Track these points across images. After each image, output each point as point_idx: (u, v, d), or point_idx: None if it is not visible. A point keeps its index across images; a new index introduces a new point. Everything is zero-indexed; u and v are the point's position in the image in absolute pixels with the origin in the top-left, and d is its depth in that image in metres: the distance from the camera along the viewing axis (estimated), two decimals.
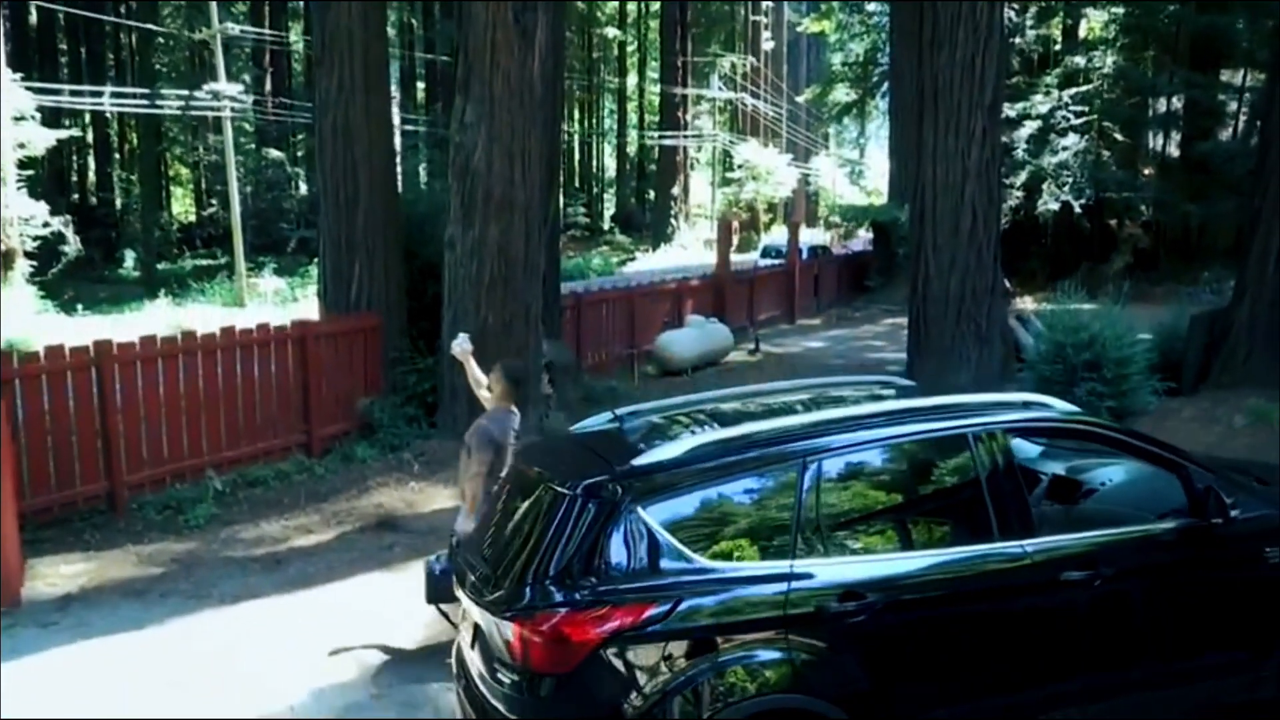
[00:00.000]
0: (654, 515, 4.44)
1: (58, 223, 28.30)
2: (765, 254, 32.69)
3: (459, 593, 5.18)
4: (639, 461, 4.56)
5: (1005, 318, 16.20)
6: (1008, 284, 27.12)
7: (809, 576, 4.51)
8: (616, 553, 4.38)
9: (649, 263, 49.14)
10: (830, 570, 4.57)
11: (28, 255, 27.09)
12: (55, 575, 9.03)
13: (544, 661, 4.30)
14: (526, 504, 4.96)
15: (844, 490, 4.81)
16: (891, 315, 26.77)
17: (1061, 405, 5.39)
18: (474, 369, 7.89)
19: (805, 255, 29.53)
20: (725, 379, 18.96)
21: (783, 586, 4.44)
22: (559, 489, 4.61)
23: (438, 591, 6.98)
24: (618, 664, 4.28)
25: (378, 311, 14.07)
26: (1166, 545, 5.17)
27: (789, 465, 4.65)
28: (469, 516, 7.04)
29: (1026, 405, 5.33)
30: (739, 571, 4.46)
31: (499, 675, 4.52)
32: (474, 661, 4.89)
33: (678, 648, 4.32)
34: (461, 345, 7.83)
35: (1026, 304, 27.77)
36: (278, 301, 30.43)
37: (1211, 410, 12.29)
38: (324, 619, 8.19)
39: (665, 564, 4.40)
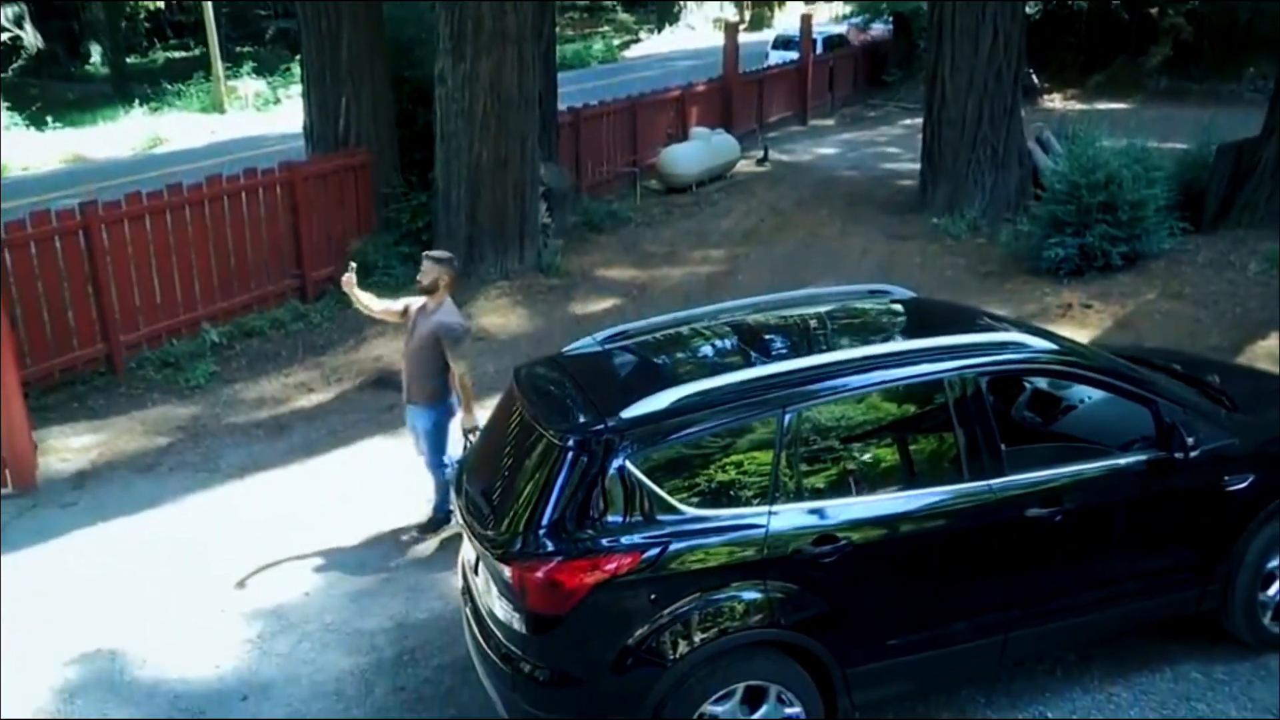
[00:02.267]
0: (641, 466, 4.97)
1: (11, 13, 27.90)
2: (776, 45, 32.19)
3: (460, 515, 5.80)
4: (627, 414, 5.06)
5: (1024, 141, 16.35)
6: (1035, 79, 27.03)
7: (786, 521, 5.08)
8: (606, 503, 4.94)
9: (654, 46, 48.42)
10: (806, 514, 5.14)
11: None
12: (66, 449, 9.71)
13: (540, 604, 4.93)
14: (520, 442, 5.51)
15: (821, 437, 5.31)
16: (909, 115, 26.71)
17: (1038, 344, 5.82)
18: (359, 297, 8.05)
19: (820, 48, 29.18)
20: (732, 194, 19.33)
21: (761, 531, 5.04)
22: (552, 438, 5.14)
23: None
24: (609, 606, 4.91)
25: (367, 147, 14.35)
26: (1130, 477, 5.72)
27: (768, 414, 5.15)
28: (471, 413, 7.64)
29: (1003, 346, 5.77)
30: (721, 519, 5.03)
31: (500, 607, 5.16)
32: (478, 585, 5.55)
33: (665, 591, 4.93)
34: (348, 277, 7.99)
35: (1055, 102, 27.68)
36: (259, 104, 30.37)
37: (1227, 254, 12.65)
38: (330, 493, 8.87)
39: (653, 513, 4.97)
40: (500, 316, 12.99)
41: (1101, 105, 26.94)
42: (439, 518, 8.12)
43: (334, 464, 9.52)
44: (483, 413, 9.88)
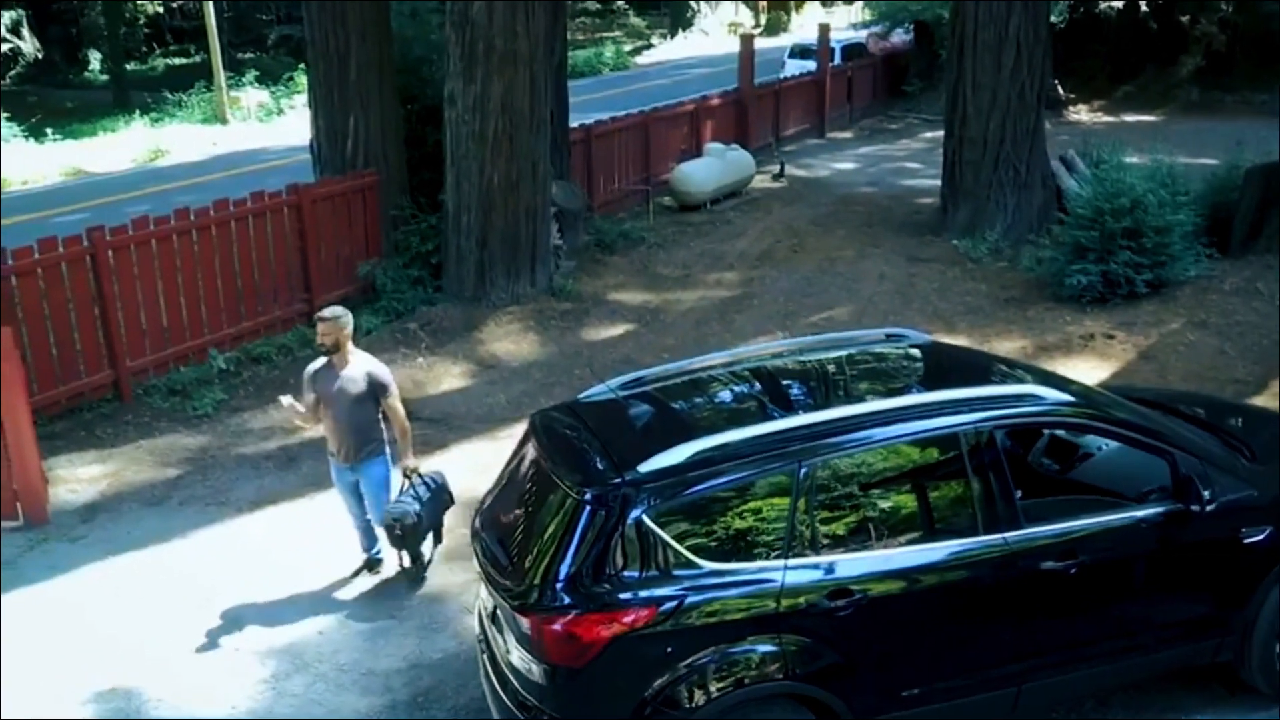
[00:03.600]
0: (658, 521, 5.25)
1: (9, 19, 28.28)
2: (793, 54, 32.46)
3: (476, 559, 6.07)
4: (645, 468, 5.34)
5: (1048, 161, 16.58)
6: (1060, 90, 27.25)
7: (800, 575, 5.35)
8: (624, 556, 5.22)
9: (667, 52, 48.73)
10: (821, 568, 5.41)
11: None
12: (75, 480, 10.01)
13: (558, 656, 5.21)
14: (537, 491, 5.82)
15: (837, 490, 5.58)
16: (930, 127, 26.93)
17: (1055, 396, 6.08)
18: (300, 408, 8.18)
19: (838, 57, 29.46)
20: (747, 213, 19.59)
21: (776, 585, 5.30)
22: (569, 490, 5.42)
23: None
24: (627, 658, 5.18)
25: (376, 168, 14.62)
26: (1146, 529, 5.96)
27: (784, 468, 5.43)
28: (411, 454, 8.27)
29: (1020, 399, 6.03)
30: (737, 573, 5.30)
31: (518, 656, 5.43)
32: (495, 633, 5.82)
33: (682, 644, 5.21)
34: (291, 404, 8.15)
35: (1081, 114, 27.90)
36: (262, 115, 30.75)
37: (1254, 281, 12.87)
38: (340, 527, 9.07)
39: (669, 566, 5.25)
40: (511, 343, 13.26)
41: (1129, 118, 27.20)
42: (374, 559, 8.58)
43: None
44: (497, 445, 10.28)
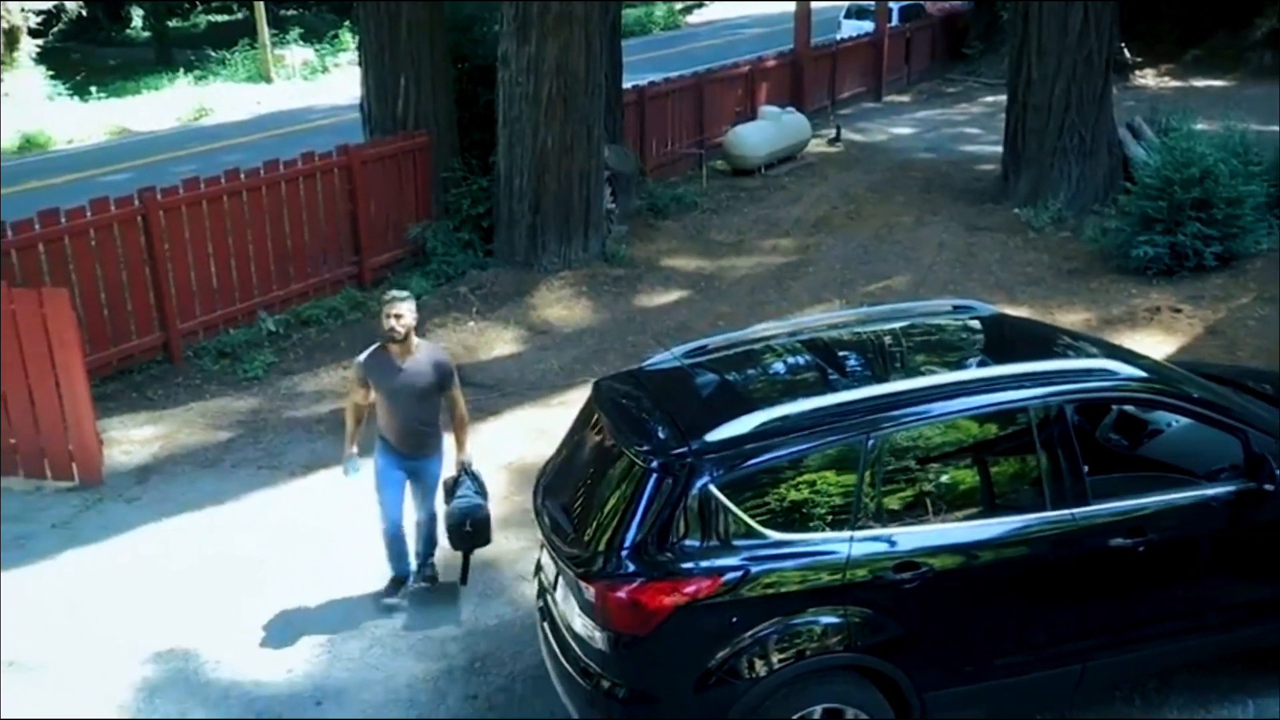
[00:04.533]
0: (725, 490, 5.35)
1: None
2: (850, 14, 32.28)
3: (539, 528, 6.21)
4: (712, 437, 5.43)
5: (1114, 128, 16.47)
6: (1126, 54, 26.91)
7: (867, 547, 5.44)
8: (689, 525, 5.32)
9: (719, 10, 48.53)
10: (888, 540, 5.50)
11: (32, 34, 27.68)
12: (128, 441, 10.23)
13: (622, 624, 5.33)
14: (600, 459, 5.93)
15: (903, 463, 5.66)
16: (991, 91, 26.76)
17: (1126, 371, 6.10)
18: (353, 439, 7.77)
19: (895, 18, 29.26)
20: (802, 178, 19.61)
21: (843, 557, 5.40)
22: (635, 459, 5.53)
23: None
24: (691, 628, 5.29)
25: (426, 129, 14.74)
26: (1216, 508, 6.01)
27: (852, 440, 5.50)
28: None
29: (1090, 373, 6.08)
30: (803, 544, 5.40)
31: (581, 623, 5.56)
32: (556, 599, 5.96)
33: (746, 614, 5.31)
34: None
35: (1147, 79, 27.58)
36: (306, 74, 30.94)
37: None
38: None
39: (735, 536, 5.35)
40: (564, 309, 13.39)
41: (1198, 82, 26.86)
42: (428, 572, 8.02)
43: None
44: (550, 412, 10.42)
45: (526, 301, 13.49)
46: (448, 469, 7.80)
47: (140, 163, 20.40)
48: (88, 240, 11.12)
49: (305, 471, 9.76)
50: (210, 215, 12.25)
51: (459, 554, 7.83)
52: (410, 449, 7.56)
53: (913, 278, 13.97)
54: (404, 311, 7.24)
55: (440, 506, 7.71)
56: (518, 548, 8.36)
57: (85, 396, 9.40)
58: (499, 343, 12.65)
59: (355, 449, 7.75)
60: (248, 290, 12.76)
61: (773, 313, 12.59)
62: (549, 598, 6.14)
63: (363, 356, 7.54)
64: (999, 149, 18.18)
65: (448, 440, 7.83)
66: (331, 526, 8.71)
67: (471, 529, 7.51)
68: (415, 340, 7.42)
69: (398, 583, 7.86)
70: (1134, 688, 6.59)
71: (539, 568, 6.52)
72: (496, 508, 8.76)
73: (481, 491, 7.68)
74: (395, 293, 7.47)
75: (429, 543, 7.93)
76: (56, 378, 9.21)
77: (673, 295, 13.87)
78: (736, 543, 5.33)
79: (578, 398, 10.16)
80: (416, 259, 14.44)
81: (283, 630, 7.56)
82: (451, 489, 7.64)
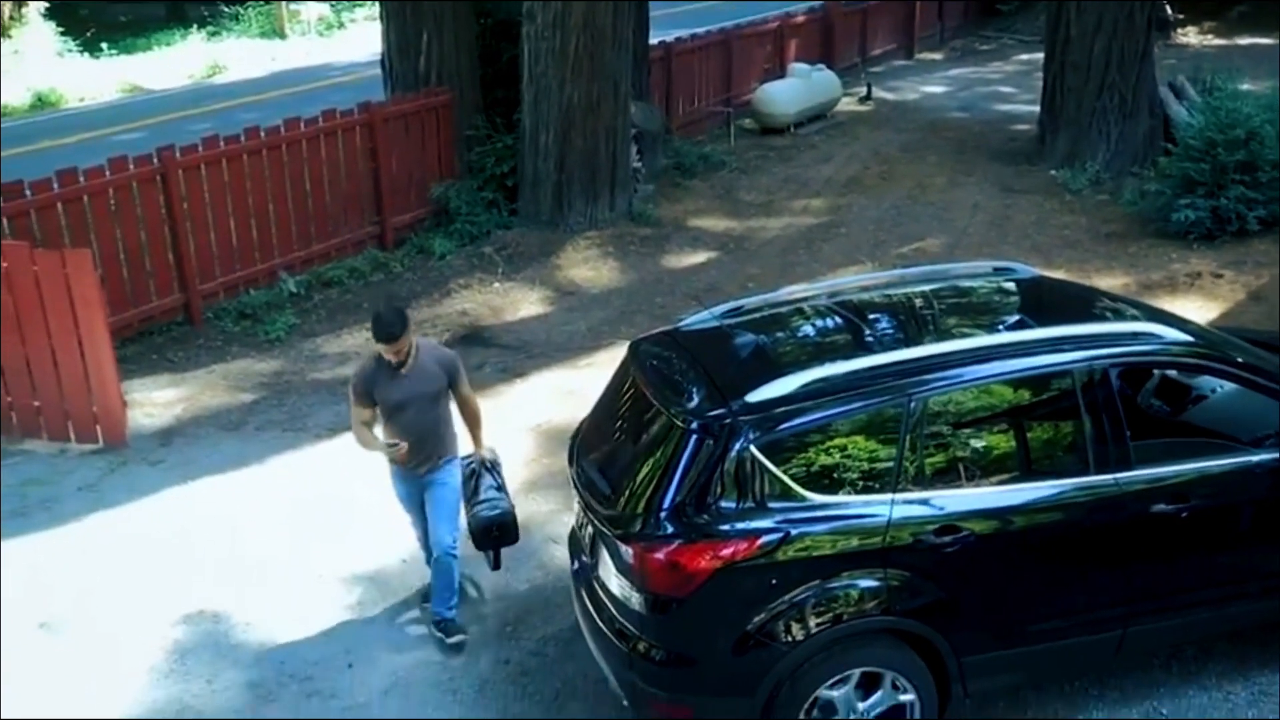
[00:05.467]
0: (765, 452, 5.43)
1: None
2: None
3: (574, 488, 6.32)
4: (752, 398, 5.52)
5: (1155, 88, 16.40)
6: (1168, 10, 26.74)
7: (908, 510, 5.53)
8: (729, 487, 5.41)
9: None
10: (929, 504, 5.58)
11: None
12: (150, 404, 10.38)
13: (661, 585, 5.43)
14: (638, 419, 6.03)
15: (946, 426, 5.74)
16: (1026, 49, 26.64)
17: (1172, 335, 6.15)
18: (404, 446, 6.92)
19: None
20: (832, 137, 19.61)
21: (884, 520, 5.49)
22: (675, 419, 5.62)
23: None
24: (730, 590, 5.39)
25: (449, 86, 14.79)
26: (1260, 475, 6.06)
27: (894, 402, 5.58)
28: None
29: (1136, 336, 6.14)
30: (843, 506, 5.50)
31: (618, 585, 5.68)
32: (592, 561, 6.07)
33: (785, 576, 5.41)
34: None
35: (1190, 37, 27.39)
36: (321, 29, 30.93)
37: None
38: None
39: (775, 498, 5.44)
40: (590, 269, 13.49)
41: (1243, 40, 26.67)
42: (455, 625, 7.26)
43: None
44: (578, 373, 10.53)
45: (552, 262, 13.58)
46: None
47: (154, 121, 20.48)
48: (107, 200, 11.24)
49: (330, 434, 9.86)
50: (230, 174, 12.35)
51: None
52: (421, 461, 6.99)
53: (946, 240, 14.00)
54: (401, 345, 6.70)
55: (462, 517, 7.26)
56: (546, 511, 8.49)
57: (109, 358, 9.54)
58: (525, 304, 12.75)
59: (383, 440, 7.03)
60: (268, 251, 12.87)
61: (803, 275, 12.65)
62: (584, 560, 6.26)
63: (361, 372, 7.03)
64: (1035, 109, 18.14)
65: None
66: (358, 489, 8.81)
67: (499, 533, 7.25)
68: (415, 343, 6.91)
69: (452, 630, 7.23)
70: (1172, 655, 6.68)
71: (574, 531, 6.63)
72: (525, 470, 8.97)
73: (503, 488, 7.39)
74: (379, 326, 6.70)
75: (447, 586, 7.15)
76: (80, 339, 9.34)
77: (701, 256, 13.95)
78: (776, 505, 5.43)
79: (606, 360, 10.35)
80: (439, 219, 14.52)
81: (312, 593, 7.70)
82: (468, 482, 7.30)
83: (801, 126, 19.96)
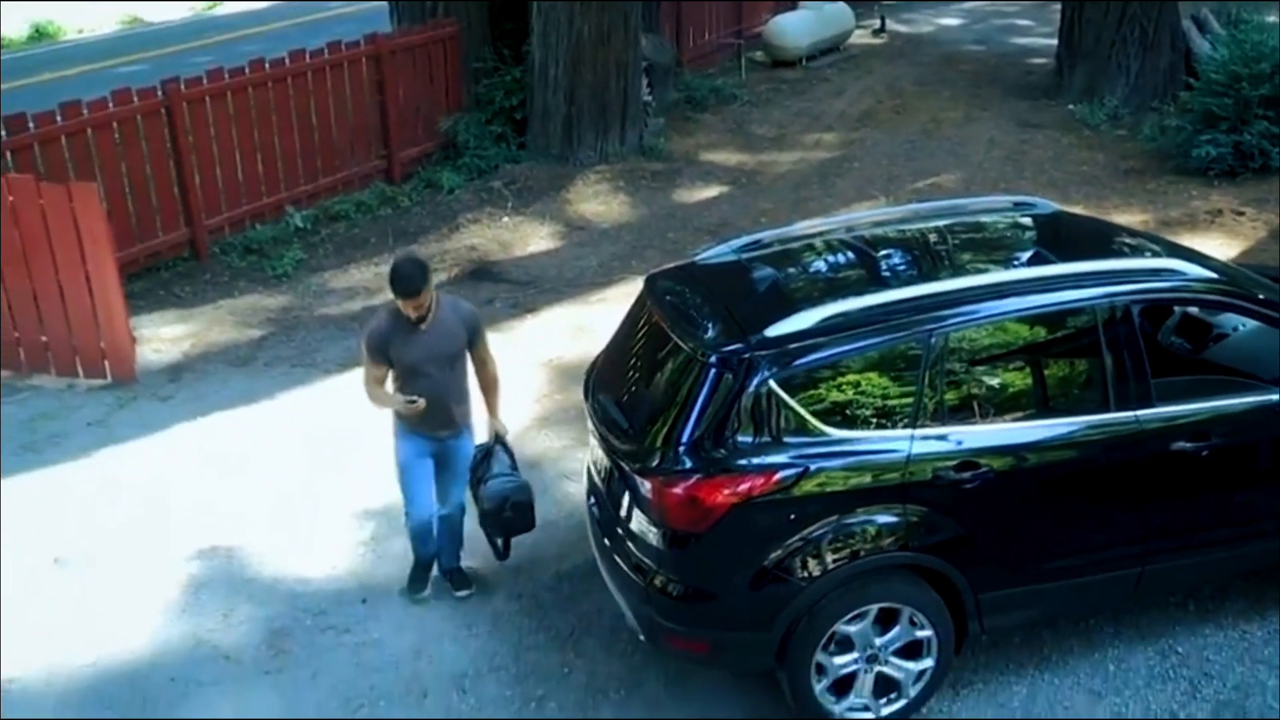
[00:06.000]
0: (784, 386, 5.45)
1: None
2: None
3: (590, 422, 6.35)
4: (772, 332, 5.52)
5: (1178, 20, 16.23)
6: None
7: (928, 446, 5.55)
8: (748, 421, 5.42)
9: None
10: (949, 439, 5.60)
11: None
12: (158, 339, 10.42)
13: (679, 520, 5.47)
14: (655, 354, 6.03)
15: (966, 361, 5.74)
16: None
17: (1195, 271, 6.14)
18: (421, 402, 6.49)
19: None
20: (845, 70, 19.49)
21: (903, 455, 5.51)
22: (693, 353, 5.63)
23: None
24: (748, 525, 5.43)
25: (456, 17, 14.67)
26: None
27: (914, 337, 5.58)
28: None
29: (1158, 273, 6.13)
30: (863, 441, 5.52)
31: (636, 520, 5.73)
32: (609, 496, 6.12)
33: (803, 511, 5.45)
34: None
35: None
36: None
37: None
38: None
39: (794, 433, 5.46)
40: (600, 204, 13.46)
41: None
42: (464, 576, 7.19)
43: None
44: (589, 309, 10.55)
45: (562, 196, 13.55)
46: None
47: (155, 54, 20.38)
48: (111, 134, 11.20)
49: (340, 369, 9.89)
50: (235, 107, 12.29)
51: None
52: (438, 426, 6.62)
53: (962, 175, 13.95)
54: (422, 300, 6.26)
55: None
56: (559, 446, 8.54)
57: (117, 293, 9.56)
58: (534, 239, 12.74)
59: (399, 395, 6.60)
60: (274, 185, 12.83)
61: (816, 210, 12.63)
62: (600, 495, 6.30)
63: (373, 326, 6.58)
64: (1052, 42, 18.00)
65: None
66: (369, 424, 8.82)
67: (512, 513, 6.63)
68: (432, 297, 6.40)
69: (424, 569, 7.11)
70: (1190, 594, 6.74)
71: (589, 466, 6.67)
72: (537, 406, 9.02)
73: (516, 469, 6.86)
74: (398, 271, 6.28)
75: (456, 540, 7.11)
76: (87, 274, 9.35)
77: (713, 191, 13.91)
78: (795, 439, 5.45)
79: (618, 295, 10.38)
80: (447, 153, 14.48)
81: (325, 529, 7.76)
82: (481, 463, 6.80)
83: (814, 59, 19.84)
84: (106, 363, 9.65)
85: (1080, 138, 15.03)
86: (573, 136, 14.23)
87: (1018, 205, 7.27)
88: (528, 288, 11.48)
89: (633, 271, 11.29)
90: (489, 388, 6.87)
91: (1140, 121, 15.07)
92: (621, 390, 6.22)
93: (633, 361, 6.33)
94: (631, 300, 6.73)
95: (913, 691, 5.89)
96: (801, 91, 18.14)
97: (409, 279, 6.21)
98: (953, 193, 13.04)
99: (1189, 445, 5.89)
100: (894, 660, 5.79)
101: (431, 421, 6.56)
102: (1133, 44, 15.68)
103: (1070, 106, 15.93)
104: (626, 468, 5.73)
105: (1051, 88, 16.96)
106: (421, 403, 6.39)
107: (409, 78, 14.13)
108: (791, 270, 6.58)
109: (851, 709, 5.84)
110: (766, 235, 6.84)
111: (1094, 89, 15.93)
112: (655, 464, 5.52)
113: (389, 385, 6.66)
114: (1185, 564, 6.24)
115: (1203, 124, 13.00)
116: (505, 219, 13.07)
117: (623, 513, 5.88)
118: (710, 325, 5.91)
